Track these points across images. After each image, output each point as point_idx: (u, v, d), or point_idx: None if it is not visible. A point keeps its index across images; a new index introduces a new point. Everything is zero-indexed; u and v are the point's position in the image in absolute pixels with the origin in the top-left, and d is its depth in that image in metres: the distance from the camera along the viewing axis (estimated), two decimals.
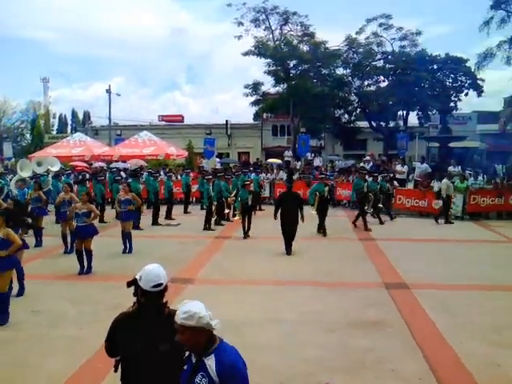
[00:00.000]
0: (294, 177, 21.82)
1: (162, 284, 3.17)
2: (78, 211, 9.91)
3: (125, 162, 23.97)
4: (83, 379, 5.52)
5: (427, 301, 7.92)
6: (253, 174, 20.80)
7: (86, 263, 9.89)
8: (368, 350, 6.06)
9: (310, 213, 13.44)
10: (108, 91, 38.60)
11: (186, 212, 19.31)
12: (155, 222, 16.41)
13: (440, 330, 6.72)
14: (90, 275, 9.81)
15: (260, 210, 18.38)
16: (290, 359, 5.82)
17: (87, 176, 20.01)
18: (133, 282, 3.23)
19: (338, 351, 6.07)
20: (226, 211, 16.20)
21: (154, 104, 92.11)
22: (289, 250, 11.68)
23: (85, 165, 25.21)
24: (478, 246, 12.82)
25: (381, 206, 16.21)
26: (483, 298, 8.19)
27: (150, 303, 3.18)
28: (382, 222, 15.98)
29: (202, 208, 19.44)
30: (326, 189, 14.32)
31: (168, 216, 17.52)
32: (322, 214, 14.10)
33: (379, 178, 17.06)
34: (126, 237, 11.88)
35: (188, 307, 2.75)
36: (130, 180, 17.25)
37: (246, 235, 13.72)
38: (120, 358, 3.32)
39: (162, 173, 20.82)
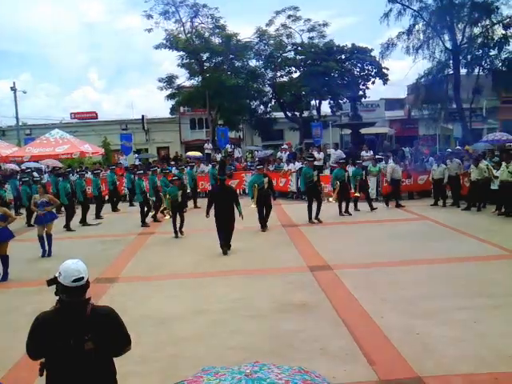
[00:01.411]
0: (206, 169, 21.50)
1: (82, 278, 3.07)
2: None
3: (37, 162, 22.80)
4: None
5: (349, 280, 8.27)
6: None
7: (1, 270, 9.38)
8: (296, 332, 6.23)
9: (249, 207, 13.06)
10: (13, 89, 36.34)
11: (114, 210, 18.77)
12: (84, 222, 15.85)
13: (363, 306, 7.04)
14: (7, 282, 9.29)
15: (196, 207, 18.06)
16: (218, 348, 5.85)
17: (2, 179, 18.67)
18: (53, 281, 3.12)
19: (267, 336, 6.17)
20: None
21: (65, 101, 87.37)
22: (225, 250, 10.64)
23: None
24: (392, 225, 13.55)
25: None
26: (399, 273, 8.69)
27: (72, 300, 3.08)
28: (372, 208, 15.74)
29: (131, 205, 19.08)
30: (266, 180, 13.28)
31: (97, 215, 17.03)
32: (264, 208, 13.18)
33: (350, 166, 17.12)
34: (48, 239, 11.35)
35: None
36: (47, 180, 16.47)
37: (178, 233, 12.81)
38: (44, 360, 3.20)
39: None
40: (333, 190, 15.44)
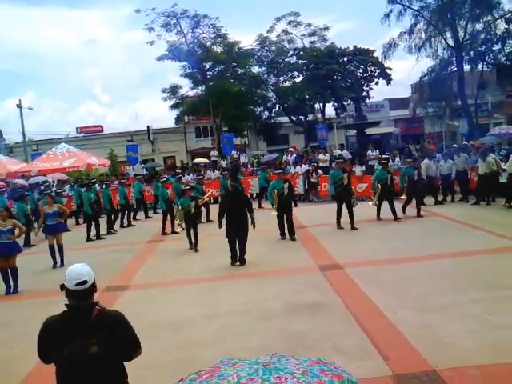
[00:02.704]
0: (213, 175, 21.57)
1: (86, 282, 3.07)
2: (2, 228, 9.42)
3: (44, 175, 22.97)
4: None
5: (360, 278, 8.21)
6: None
7: (12, 282, 9.43)
8: (308, 331, 6.20)
9: (271, 214, 12.61)
10: (19, 106, 36.61)
11: (146, 217, 19.07)
12: (112, 230, 16.07)
13: (374, 303, 6.99)
14: (19, 294, 9.35)
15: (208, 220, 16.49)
16: (231, 350, 5.77)
17: (25, 192, 18.80)
18: (64, 285, 3.15)
19: (279, 336, 6.14)
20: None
21: (71, 117, 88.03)
22: (241, 260, 10.00)
23: (1, 183, 23.81)
24: (401, 222, 13.45)
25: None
26: (410, 269, 8.62)
27: (77, 303, 3.09)
28: (420, 215, 13.93)
29: (154, 212, 19.38)
30: (286, 185, 12.30)
31: (129, 222, 17.33)
32: (284, 216, 12.24)
33: (395, 164, 16.51)
34: (59, 249, 11.41)
35: None
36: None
37: (194, 249, 11.92)
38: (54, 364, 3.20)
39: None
40: (373, 193, 14.20)
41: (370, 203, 14.06)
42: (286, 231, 12.33)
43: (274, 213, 12.35)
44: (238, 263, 10.01)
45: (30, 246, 14.80)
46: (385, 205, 13.79)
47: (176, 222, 13.37)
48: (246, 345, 5.91)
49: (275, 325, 6.56)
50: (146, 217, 19.12)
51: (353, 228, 12.73)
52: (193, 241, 12.05)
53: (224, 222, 10.18)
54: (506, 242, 10.02)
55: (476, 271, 8.13)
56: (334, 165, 20.54)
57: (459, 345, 5.43)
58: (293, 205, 12.52)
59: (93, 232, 15.09)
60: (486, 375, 4.79)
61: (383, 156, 18.57)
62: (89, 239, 14.91)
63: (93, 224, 15.09)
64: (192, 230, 12.07)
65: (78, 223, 19.23)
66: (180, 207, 12.39)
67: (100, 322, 3.08)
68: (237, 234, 9.99)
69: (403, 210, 14.29)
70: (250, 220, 10.19)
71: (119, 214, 17.37)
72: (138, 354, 3.31)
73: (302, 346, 5.75)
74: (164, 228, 14.99)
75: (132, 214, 18.50)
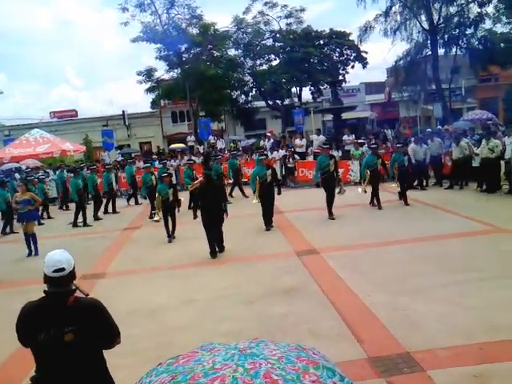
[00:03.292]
0: (196, 160, 21.38)
1: (63, 269, 3.06)
2: None
3: (17, 162, 22.47)
4: None
5: (335, 262, 8.34)
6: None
7: None
8: (285, 316, 6.28)
9: (252, 202, 12.27)
10: None
11: (136, 203, 18.64)
12: (96, 217, 15.83)
13: (350, 287, 7.11)
14: None
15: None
16: (209, 335, 5.81)
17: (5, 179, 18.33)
18: None
19: (256, 321, 6.22)
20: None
21: (44, 101, 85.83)
22: (220, 247, 9.88)
23: None
24: (375, 208, 13.43)
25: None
26: (385, 253, 8.77)
27: (54, 290, 3.09)
28: (406, 203, 13.42)
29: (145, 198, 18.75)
30: (269, 172, 11.86)
31: (113, 209, 17.00)
32: (266, 204, 11.85)
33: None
34: (31, 238, 11.23)
35: None
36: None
37: (172, 236, 11.67)
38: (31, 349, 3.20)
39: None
40: (363, 179, 13.84)
41: (359, 190, 13.73)
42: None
43: (255, 200, 11.97)
44: (218, 249, 9.84)
45: (12, 232, 14.60)
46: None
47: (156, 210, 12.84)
48: (224, 330, 5.97)
49: (253, 310, 6.63)
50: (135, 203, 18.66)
51: (330, 214, 12.53)
52: (170, 230, 11.73)
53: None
54: (478, 225, 10.25)
55: (449, 255, 8.29)
56: (309, 150, 20.87)
57: (432, 327, 5.57)
58: (276, 192, 12.09)
59: (79, 218, 14.91)
60: (458, 356, 4.92)
61: (359, 141, 18.71)
62: (75, 225, 14.77)
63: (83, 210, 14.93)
64: (170, 218, 11.72)
65: (67, 208, 18.82)
66: (157, 194, 11.84)
67: (76, 309, 3.08)
68: (214, 226, 9.74)
69: (404, 199, 13.61)
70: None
71: (103, 200, 17.01)
72: (118, 342, 3.31)
73: (279, 331, 5.84)
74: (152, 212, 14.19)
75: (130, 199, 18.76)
